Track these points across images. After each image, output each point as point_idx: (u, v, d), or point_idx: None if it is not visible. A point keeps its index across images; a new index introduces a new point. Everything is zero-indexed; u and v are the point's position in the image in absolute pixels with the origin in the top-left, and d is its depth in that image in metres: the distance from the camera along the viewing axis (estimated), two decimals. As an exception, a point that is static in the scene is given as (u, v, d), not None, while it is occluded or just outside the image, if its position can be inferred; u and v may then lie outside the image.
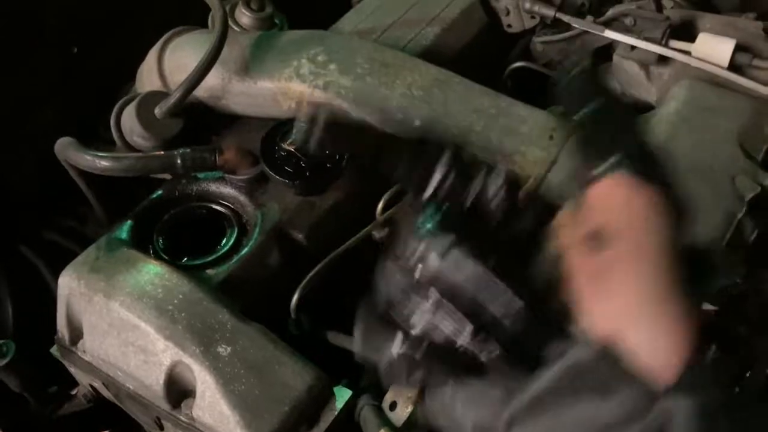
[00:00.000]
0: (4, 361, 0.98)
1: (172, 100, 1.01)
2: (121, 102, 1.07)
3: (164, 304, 0.86)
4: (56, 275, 1.08)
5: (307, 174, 0.99)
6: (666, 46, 1.12)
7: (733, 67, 1.08)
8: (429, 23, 1.23)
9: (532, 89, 1.27)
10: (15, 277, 1.17)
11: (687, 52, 1.11)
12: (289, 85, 1.06)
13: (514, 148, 0.98)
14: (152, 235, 0.99)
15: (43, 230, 1.24)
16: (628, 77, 1.20)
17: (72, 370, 0.99)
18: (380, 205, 1.04)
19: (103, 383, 0.94)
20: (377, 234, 1.04)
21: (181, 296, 0.87)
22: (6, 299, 1.15)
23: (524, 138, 0.99)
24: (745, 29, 1.14)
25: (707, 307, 1.15)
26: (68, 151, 1.00)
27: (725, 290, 1.11)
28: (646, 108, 1.18)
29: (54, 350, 0.98)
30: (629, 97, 1.22)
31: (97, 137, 1.21)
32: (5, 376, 1.01)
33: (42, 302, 1.12)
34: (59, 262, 1.01)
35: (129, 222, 0.99)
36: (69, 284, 0.92)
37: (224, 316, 0.86)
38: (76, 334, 0.95)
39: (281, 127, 1.04)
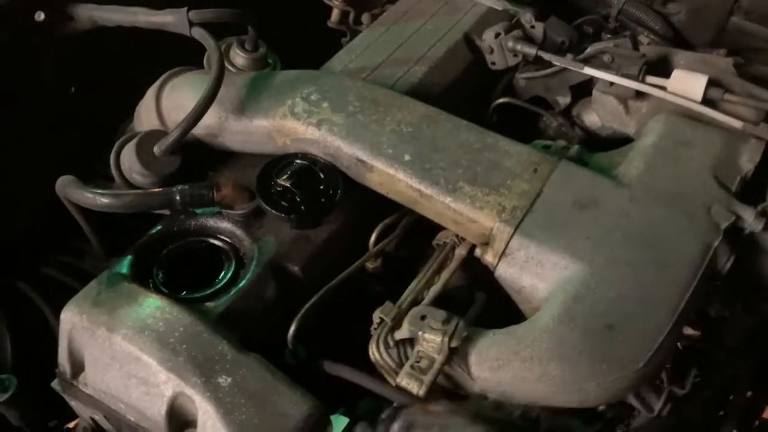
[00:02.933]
0: (6, 396, 1.00)
1: (170, 138, 1.05)
2: (120, 141, 1.10)
3: (166, 336, 0.89)
4: (55, 310, 1.11)
5: (302, 208, 1.03)
6: (643, 81, 1.17)
7: (707, 101, 1.13)
8: (417, 62, 1.27)
9: (516, 123, 1.32)
10: (14, 312, 1.19)
11: (663, 88, 1.16)
12: (283, 123, 1.10)
13: (500, 181, 1.02)
14: (152, 270, 1.02)
15: (41, 266, 1.26)
16: (608, 111, 1.25)
17: (73, 403, 1.01)
18: (373, 237, 1.08)
19: (105, 416, 0.96)
20: (370, 265, 1.08)
21: (181, 329, 0.90)
22: (5, 334, 1.17)
23: (509, 171, 1.04)
24: (716, 65, 1.20)
25: (688, 331, 1.20)
26: (69, 188, 1.03)
27: (705, 315, 1.16)
28: (626, 140, 1.23)
29: (55, 384, 1.00)
30: (609, 129, 1.27)
31: (95, 174, 1.24)
32: (6, 410, 1.03)
33: (40, 337, 1.15)
34: (57, 297, 1.04)
35: (129, 257, 1.01)
36: (72, 319, 0.94)
37: (224, 347, 0.89)
38: (78, 368, 0.97)
39: (276, 163, 1.08)
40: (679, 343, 1.20)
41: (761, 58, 1.43)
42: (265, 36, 1.30)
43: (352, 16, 1.51)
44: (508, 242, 0.97)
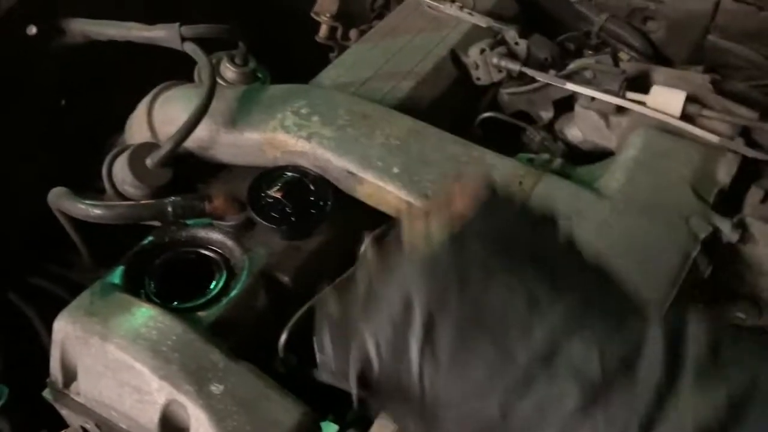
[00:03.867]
0: (-2, 406, 1.01)
1: (163, 151, 1.06)
2: (112, 153, 1.11)
3: (158, 345, 0.90)
4: (44, 320, 1.11)
5: (293, 219, 1.05)
6: (623, 97, 1.20)
7: (685, 116, 1.17)
8: (404, 77, 1.30)
9: (501, 137, 1.36)
10: (3, 322, 1.20)
11: (642, 103, 1.20)
12: (274, 136, 1.12)
13: (486, 193, 1.05)
14: (144, 280, 1.03)
15: (31, 276, 1.27)
16: (589, 125, 1.28)
17: (64, 412, 1.02)
18: (362, 247, 1.10)
19: (96, 424, 0.97)
20: (359, 275, 1.09)
21: (174, 337, 0.92)
22: (-5, 345, 1.17)
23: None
24: (694, 82, 1.24)
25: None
26: (62, 200, 1.04)
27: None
28: (607, 154, 1.27)
29: (46, 393, 1.00)
30: (591, 143, 1.31)
31: (85, 186, 1.25)
32: (-2, 420, 1.04)
33: (30, 348, 1.15)
34: (47, 307, 1.05)
35: (121, 267, 1.03)
36: (65, 328, 0.95)
37: (215, 356, 0.91)
38: (70, 377, 0.98)
39: (267, 175, 1.10)
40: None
41: (737, 74, 1.48)
42: (254, 50, 1.32)
43: (340, 31, 1.53)
44: (494, 253, 0.99)
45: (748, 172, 1.13)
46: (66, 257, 1.28)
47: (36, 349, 1.13)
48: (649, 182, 1.08)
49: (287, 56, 1.44)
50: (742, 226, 1.04)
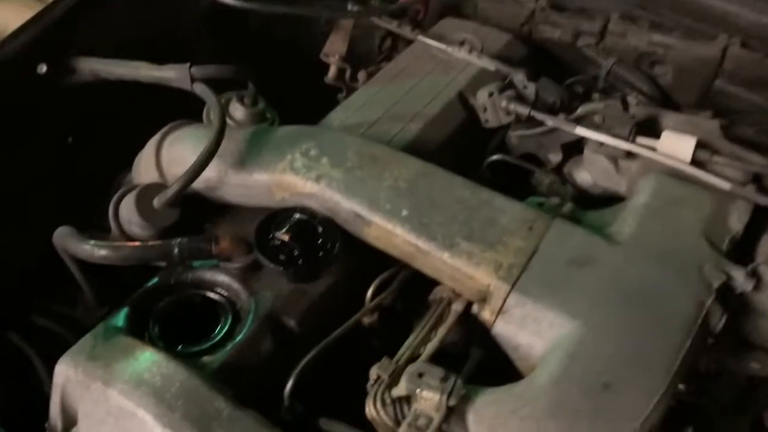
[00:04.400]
0: (-6, 450, 0.98)
1: (170, 192, 1.06)
2: (119, 193, 1.11)
3: (162, 391, 0.88)
4: (45, 361, 1.09)
5: (300, 262, 1.04)
6: (633, 142, 1.20)
7: (695, 162, 1.17)
8: (412, 119, 1.30)
9: (509, 179, 1.35)
10: (3, 364, 1.18)
11: (652, 148, 1.20)
12: (283, 177, 1.11)
13: (496, 238, 1.04)
14: (148, 323, 1.01)
15: (33, 316, 1.25)
16: (599, 170, 1.28)
17: (62, 459, 0.99)
18: (370, 292, 1.09)
19: (95, 472, 0.94)
20: (367, 320, 1.08)
21: (178, 384, 0.90)
22: (-6, 386, 1.15)
23: (505, 228, 1.05)
24: (703, 127, 1.23)
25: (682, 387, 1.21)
26: (67, 240, 1.03)
27: (699, 372, 1.17)
28: (617, 198, 1.26)
29: (44, 438, 0.98)
30: (600, 187, 1.30)
31: (91, 225, 1.25)
32: (-7, 464, 1.01)
33: (30, 389, 1.13)
34: (49, 348, 1.03)
35: (125, 309, 1.01)
36: (66, 372, 0.93)
37: (220, 403, 0.89)
38: (70, 422, 0.95)
39: (275, 216, 1.09)
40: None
41: (745, 119, 1.48)
42: (264, 91, 1.32)
43: (348, 73, 1.54)
44: (505, 299, 0.98)
45: (760, 220, 1.12)
46: (70, 296, 1.27)
47: (36, 392, 1.11)
48: (661, 229, 1.07)
49: (296, 97, 1.44)
50: (755, 275, 1.02)
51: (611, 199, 1.26)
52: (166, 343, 0.99)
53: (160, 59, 1.24)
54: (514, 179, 1.36)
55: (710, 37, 1.46)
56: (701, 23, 1.47)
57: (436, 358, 0.98)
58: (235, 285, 1.05)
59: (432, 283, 1.08)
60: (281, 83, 1.50)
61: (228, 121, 1.27)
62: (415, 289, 1.11)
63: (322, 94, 1.57)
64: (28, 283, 1.27)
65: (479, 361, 1.06)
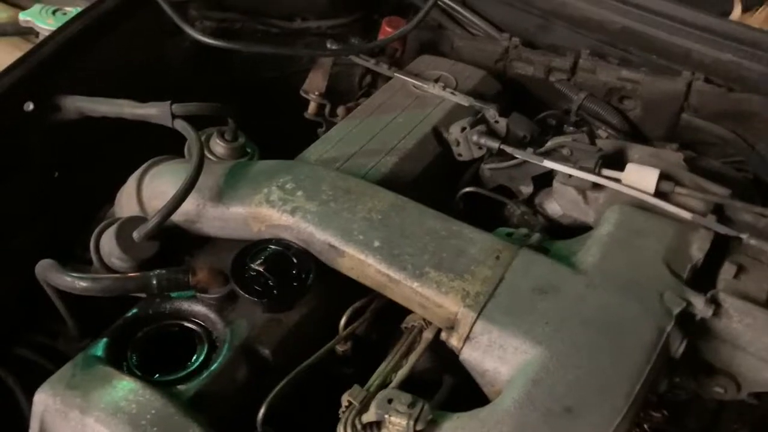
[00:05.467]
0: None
1: (150, 225, 1.09)
2: (101, 226, 1.14)
3: (137, 419, 0.91)
4: (27, 391, 1.11)
5: (275, 292, 1.07)
6: (599, 174, 1.24)
7: (659, 193, 1.21)
8: (388, 153, 1.34)
9: (482, 211, 1.39)
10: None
11: (618, 180, 1.24)
12: (259, 210, 1.15)
13: (464, 267, 1.07)
14: (127, 352, 1.04)
15: (15, 346, 1.27)
16: (568, 201, 1.32)
17: (40, 487, 1.01)
18: (343, 320, 1.12)
19: (72, 500, 0.96)
20: (340, 348, 1.11)
21: (153, 411, 0.92)
22: (-25, 416, 1.17)
23: (473, 258, 1.09)
24: (667, 159, 1.28)
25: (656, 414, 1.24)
26: (49, 272, 1.06)
27: (667, 398, 1.20)
28: (587, 227, 1.30)
29: (23, 467, 1.00)
30: (570, 217, 1.34)
31: (74, 257, 1.28)
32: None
33: (11, 418, 1.15)
34: (30, 378, 1.05)
35: (104, 339, 1.04)
36: (45, 400, 0.95)
37: (194, 430, 0.91)
38: (48, 451, 0.98)
39: (251, 248, 1.13)
40: (646, 426, 1.24)
41: (711, 151, 1.54)
42: (246, 125, 1.36)
43: (328, 108, 1.59)
44: (472, 327, 1.01)
45: (720, 248, 1.16)
46: (51, 327, 1.29)
47: (17, 422, 1.13)
48: (624, 258, 1.11)
49: (277, 131, 1.48)
50: (715, 302, 1.06)
51: (581, 229, 1.30)
52: (144, 372, 1.01)
53: (146, 96, 1.28)
54: (487, 210, 1.40)
55: (675, 72, 1.52)
56: (666, 60, 1.53)
57: (407, 385, 1.00)
58: (212, 315, 1.08)
59: (404, 311, 1.12)
60: (264, 118, 1.55)
61: (209, 155, 1.32)
62: (387, 317, 1.14)
63: (303, 128, 1.61)
64: (11, 315, 1.29)
65: (452, 387, 1.10)
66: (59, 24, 1.40)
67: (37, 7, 1.60)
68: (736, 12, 1.91)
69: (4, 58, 1.37)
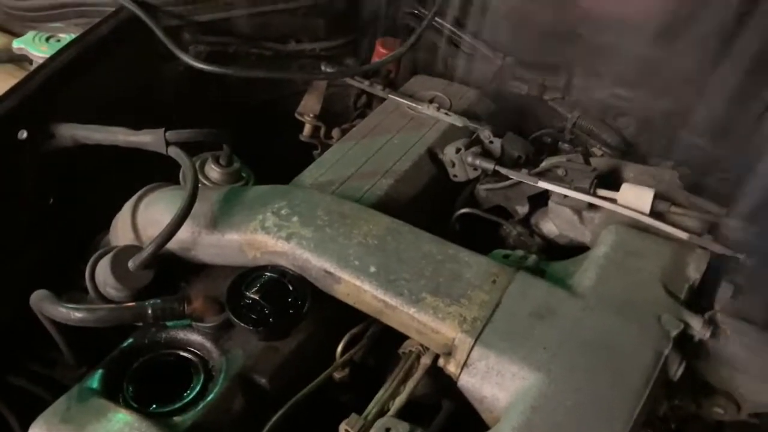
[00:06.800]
0: None
1: (144, 254, 1.09)
2: (96, 255, 1.14)
3: (133, 453, 0.90)
4: (23, 423, 1.10)
5: (271, 320, 1.07)
6: (594, 194, 1.25)
7: (654, 213, 1.21)
8: (383, 175, 1.34)
9: (478, 231, 1.39)
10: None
11: (613, 200, 1.24)
12: (254, 237, 1.15)
13: (461, 292, 1.07)
14: (123, 383, 1.03)
15: (11, 376, 1.27)
16: (564, 221, 1.32)
17: None
18: (340, 347, 1.11)
19: None
20: (338, 375, 1.10)
21: (149, 444, 0.92)
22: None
23: (470, 282, 1.08)
24: (662, 178, 1.28)
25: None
26: (44, 303, 1.06)
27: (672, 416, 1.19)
28: (582, 247, 1.30)
29: (17, 502, 0.99)
30: (566, 237, 1.34)
31: (70, 284, 1.27)
32: None
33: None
34: (27, 408, 1.05)
35: (100, 371, 1.03)
36: (40, 435, 0.95)
37: (191, 462, 0.91)
38: (44, 485, 0.97)
39: (246, 276, 1.12)
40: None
41: (707, 169, 1.53)
42: (242, 149, 1.36)
43: (323, 130, 1.59)
44: (470, 353, 1.01)
45: (717, 268, 1.15)
46: (47, 355, 1.28)
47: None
48: (621, 280, 1.11)
49: (272, 153, 1.48)
50: (713, 323, 1.06)
51: (577, 248, 1.30)
52: (141, 404, 1.01)
53: (141, 121, 1.28)
54: (483, 231, 1.40)
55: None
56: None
57: (405, 412, 1.00)
58: (208, 344, 1.08)
59: (401, 336, 1.11)
60: (259, 140, 1.55)
61: (204, 181, 1.31)
62: (385, 343, 1.14)
63: (299, 150, 1.61)
64: (5, 343, 1.29)
65: (450, 412, 1.09)
66: (53, 51, 1.39)
67: (30, 34, 1.60)
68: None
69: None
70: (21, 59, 1.61)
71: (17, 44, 1.59)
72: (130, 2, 1.46)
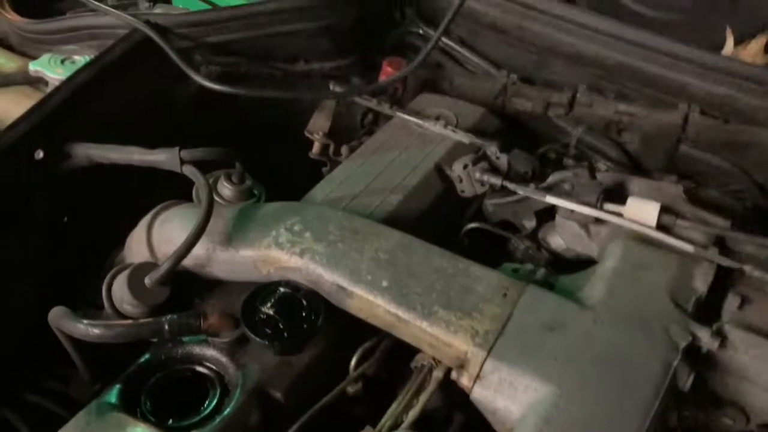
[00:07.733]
0: None
1: (161, 271, 1.11)
2: (112, 272, 1.16)
3: (152, 466, 0.92)
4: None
5: (285, 335, 1.08)
6: (600, 209, 1.26)
7: (660, 226, 1.23)
8: (392, 191, 1.36)
9: (486, 246, 1.41)
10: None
11: (619, 214, 1.26)
12: (268, 253, 1.17)
13: (472, 305, 1.09)
14: (140, 398, 1.05)
15: (28, 393, 1.28)
16: (571, 235, 1.34)
17: None
18: (353, 361, 1.13)
19: None
20: (351, 389, 1.12)
21: (168, 458, 0.93)
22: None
23: (481, 296, 1.10)
24: (668, 192, 1.30)
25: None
26: (63, 320, 1.07)
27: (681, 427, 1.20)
28: (590, 261, 1.32)
29: None
30: (573, 251, 1.36)
31: (85, 301, 1.29)
32: None
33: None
34: (42, 424, 1.06)
35: (118, 386, 1.05)
36: (59, 450, 0.96)
37: (209, 476, 0.92)
38: (63, 500, 0.98)
39: (261, 291, 1.14)
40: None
41: (710, 181, 1.56)
42: (253, 167, 1.39)
43: (332, 147, 1.61)
44: (482, 365, 1.02)
45: (723, 279, 1.17)
46: (62, 372, 1.30)
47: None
48: (629, 292, 1.12)
49: (282, 172, 1.51)
50: (720, 334, 1.07)
51: (585, 262, 1.32)
52: (158, 418, 1.02)
53: (154, 140, 1.31)
54: (491, 245, 1.42)
55: (672, 105, 1.55)
56: (662, 94, 1.56)
57: (418, 425, 1.01)
58: (223, 359, 1.09)
59: (414, 349, 1.13)
60: (269, 158, 1.58)
61: (216, 198, 1.33)
62: (397, 356, 1.15)
63: (308, 167, 1.64)
64: (22, 361, 1.30)
65: (463, 425, 1.10)
66: (68, 73, 1.43)
67: (46, 56, 1.63)
68: (729, 45, 1.94)
69: (15, 107, 1.39)
70: (37, 81, 1.64)
71: (33, 66, 1.62)
72: (143, 24, 1.49)
